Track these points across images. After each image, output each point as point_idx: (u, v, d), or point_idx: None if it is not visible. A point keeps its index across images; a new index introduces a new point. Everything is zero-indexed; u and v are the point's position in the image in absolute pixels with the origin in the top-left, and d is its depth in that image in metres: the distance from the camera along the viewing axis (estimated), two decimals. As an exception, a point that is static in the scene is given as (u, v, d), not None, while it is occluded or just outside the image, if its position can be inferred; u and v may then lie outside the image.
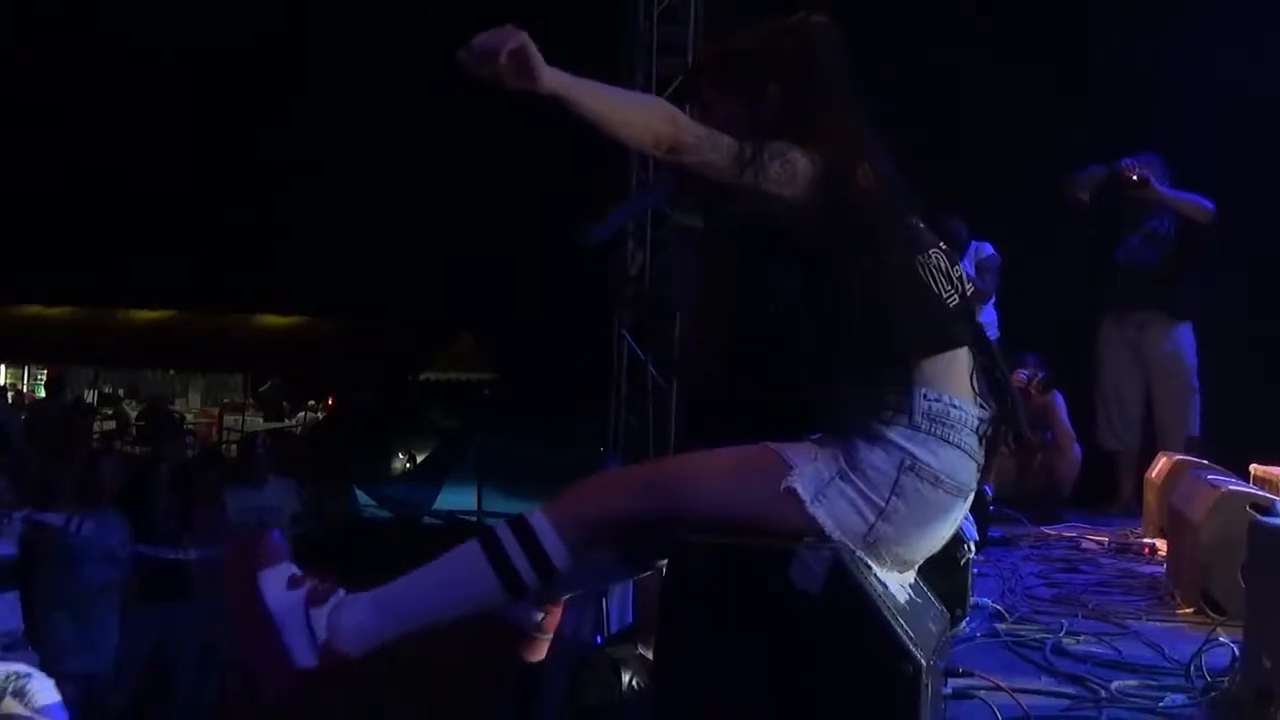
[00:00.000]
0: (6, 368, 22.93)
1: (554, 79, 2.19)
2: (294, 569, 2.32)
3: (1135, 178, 6.28)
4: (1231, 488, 4.01)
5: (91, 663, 6.86)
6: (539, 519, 2.27)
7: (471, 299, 14.93)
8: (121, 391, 22.96)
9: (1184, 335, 6.55)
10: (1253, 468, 4.84)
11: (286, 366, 20.09)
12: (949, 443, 2.23)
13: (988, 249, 6.67)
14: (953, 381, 2.27)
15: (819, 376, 2.25)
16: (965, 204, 6.42)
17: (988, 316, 6.55)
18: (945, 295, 2.30)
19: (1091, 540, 5.47)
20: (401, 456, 14.94)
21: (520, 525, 2.27)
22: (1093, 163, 6.45)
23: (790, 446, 2.26)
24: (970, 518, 2.97)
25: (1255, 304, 6.79)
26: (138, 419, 16.94)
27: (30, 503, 7.02)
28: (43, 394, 18.17)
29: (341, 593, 2.29)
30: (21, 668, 4.66)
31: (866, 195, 2.27)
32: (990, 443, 2.33)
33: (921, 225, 2.37)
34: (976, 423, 2.28)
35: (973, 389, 2.29)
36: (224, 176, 15.31)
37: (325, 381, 20.09)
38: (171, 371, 23.47)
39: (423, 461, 14.25)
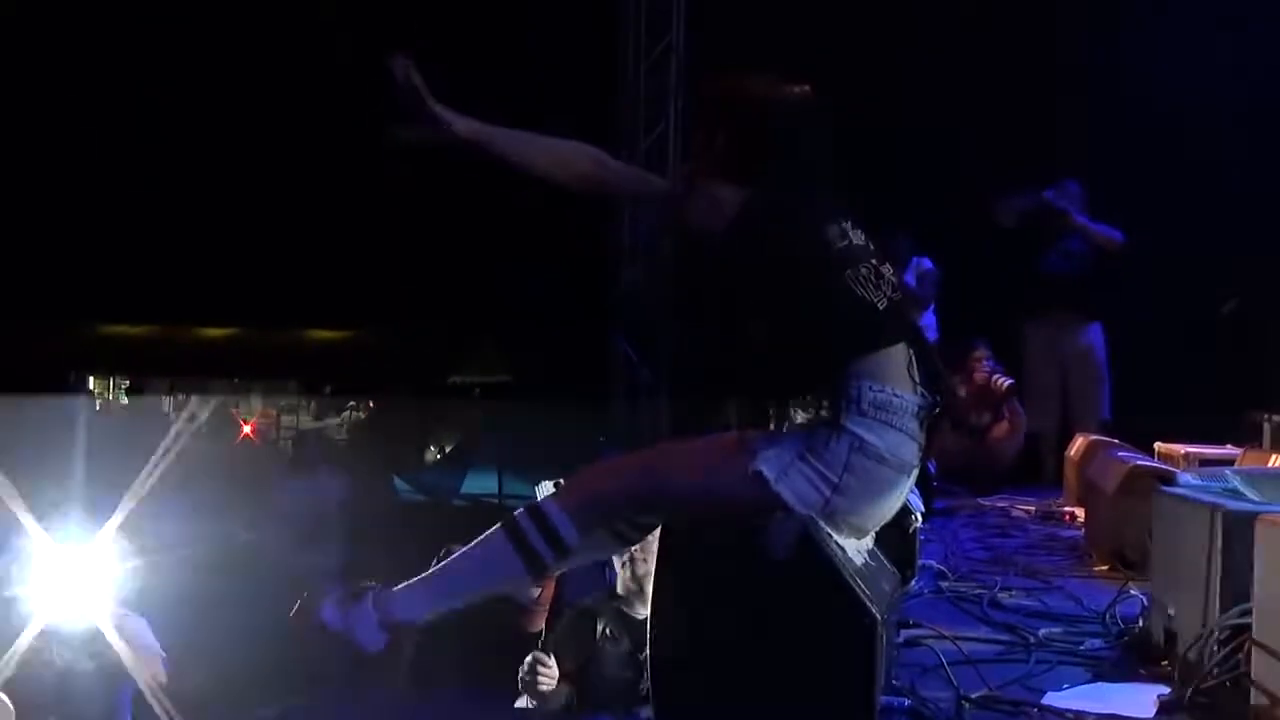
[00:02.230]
0: (95, 379, 23.05)
1: (470, 126, 2.26)
2: (342, 591, 2.35)
3: (1059, 210, 6.35)
4: (1139, 463, 4.02)
5: None
6: (552, 506, 2.29)
7: (490, 310, 14.90)
8: (194, 398, 22.92)
9: (1095, 333, 6.59)
10: (1157, 445, 4.85)
11: (334, 374, 20.06)
12: (892, 426, 2.22)
13: (927, 263, 6.69)
14: (892, 374, 2.25)
15: (778, 377, 2.30)
16: (909, 224, 6.42)
17: (927, 320, 6.57)
18: (876, 301, 2.27)
19: (1020, 509, 5.48)
20: (433, 449, 14.91)
21: (537, 513, 2.29)
22: (1016, 190, 6.46)
23: (757, 435, 2.27)
24: (917, 491, 2.97)
25: (1156, 303, 6.79)
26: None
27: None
28: (125, 400, 18.18)
29: (376, 585, 2.33)
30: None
31: (795, 227, 2.28)
32: (931, 425, 2.32)
33: (855, 242, 2.32)
34: (916, 408, 2.27)
35: (912, 380, 2.27)
36: (277, 212, 15.29)
37: (369, 386, 20.09)
38: (235, 380, 23.48)
39: (450, 452, 14.22)
